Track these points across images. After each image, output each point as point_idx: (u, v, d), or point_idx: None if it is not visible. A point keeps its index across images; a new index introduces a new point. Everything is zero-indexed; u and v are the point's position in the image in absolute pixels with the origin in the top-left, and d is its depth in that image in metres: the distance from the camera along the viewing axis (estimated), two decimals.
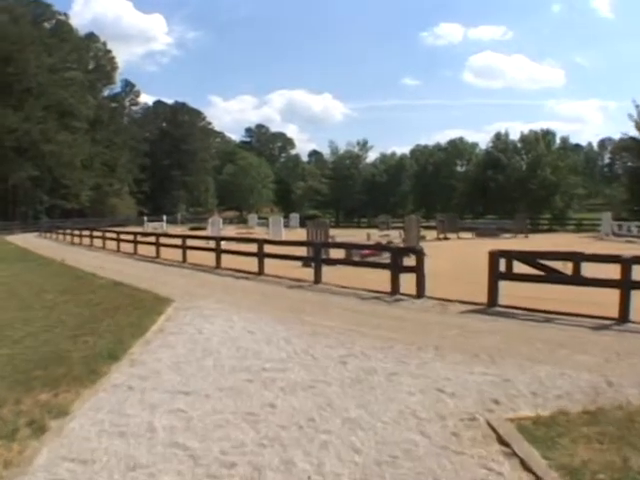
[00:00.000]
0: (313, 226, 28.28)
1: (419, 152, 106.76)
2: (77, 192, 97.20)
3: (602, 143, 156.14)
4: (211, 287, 20.29)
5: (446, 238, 48.38)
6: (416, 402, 7.78)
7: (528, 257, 15.62)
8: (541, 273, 14.93)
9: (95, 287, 20.49)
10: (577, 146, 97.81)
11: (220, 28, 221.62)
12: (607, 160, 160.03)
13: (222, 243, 26.86)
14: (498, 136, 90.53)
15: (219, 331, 12.62)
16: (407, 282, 16.94)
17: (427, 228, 41.89)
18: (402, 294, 16.81)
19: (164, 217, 73.77)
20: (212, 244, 26.99)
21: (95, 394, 8.40)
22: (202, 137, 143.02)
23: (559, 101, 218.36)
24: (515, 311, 14.18)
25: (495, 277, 14.90)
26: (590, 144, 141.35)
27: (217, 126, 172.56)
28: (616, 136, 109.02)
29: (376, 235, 40.18)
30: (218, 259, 25.71)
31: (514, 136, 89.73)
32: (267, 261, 22.76)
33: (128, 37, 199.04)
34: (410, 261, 17.70)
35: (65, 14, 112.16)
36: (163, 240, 33.05)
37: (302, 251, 23.77)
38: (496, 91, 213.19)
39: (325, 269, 20.39)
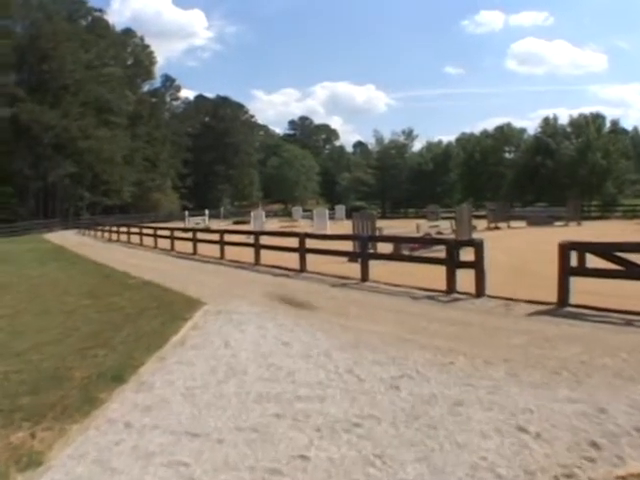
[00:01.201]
0: (359, 218, 26.46)
1: (465, 140, 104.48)
2: (118, 188, 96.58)
3: None
4: (247, 286, 18.63)
5: (497, 228, 46.34)
6: (493, 449, 5.89)
7: (604, 249, 13.49)
8: (619, 267, 12.87)
9: (123, 288, 19.29)
10: (622, 130, 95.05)
11: (259, 22, 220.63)
12: None
13: (261, 238, 25.10)
14: (547, 121, 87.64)
15: (249, 342, 10.90)
16: (463, 279, 15.14)
17: (476, 217, 39.95)
18: (459, 292, 14.95)
19: (206, 211, 72.24)
20: (251, 239, 25.19)
21: (83, 433, 6.77)
22: (245, 131, 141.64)
23: (602, 86, 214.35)
24: (589, 312, 12.23)
25: (566, 273, 12.93)
26: (636, 128, 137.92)
27: (260, 120, 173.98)
28: None
29: (425, 226, 38.29)
30: (257, 255, 24.19)
31: (562, 121, 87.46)
32: (310, 257, 21.27)
33: (168, 33, 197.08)
34: (467, 255, 15.67)
35: (101, 10, 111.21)
36: (200, 236, 31.76)
37: (347, 245, 21.97)
38: (539, 77, 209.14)
39: (372, 265, 18.53)
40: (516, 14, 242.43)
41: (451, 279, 15.13)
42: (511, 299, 13.87)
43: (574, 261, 13.19)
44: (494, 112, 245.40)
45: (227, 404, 7.51)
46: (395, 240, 23.08)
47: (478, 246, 14.81)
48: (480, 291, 14.40)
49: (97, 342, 11.28)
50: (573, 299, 12.91)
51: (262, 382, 8.39)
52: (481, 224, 43.85)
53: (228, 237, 28.49)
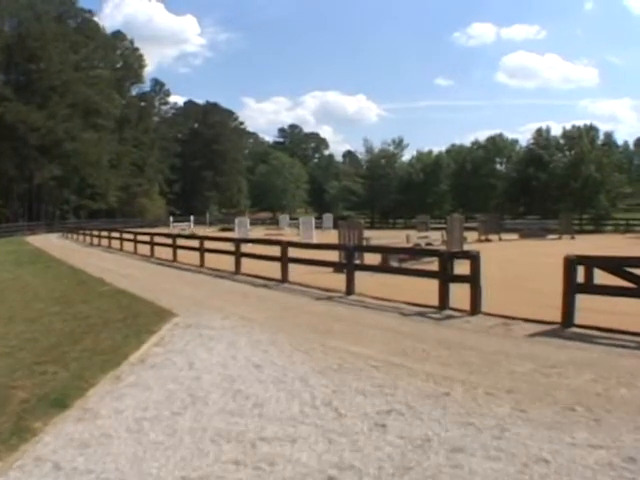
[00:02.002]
0: (346, 227, 25.29)
1: (455, 152, 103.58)
2: (104, 192, 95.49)
3: (638, 142, 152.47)
4: (224, 297, 17.55)
5: (488, 240, 44.97)
6: None
7: (615, 264, 12.18)
8: (630, 285, 11.58)
9: (94, 295, 18.37)
10: (614, 145, 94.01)
11: (252, 30, 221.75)
12: None
13: (242, 246, 23.86)
14: (539, 132, 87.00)
15: (216, 363, 9.67)
16: (456, 293, 13.93)
17: (466, 229, 38.82)
18: (452, 309, 13.71)
19: (192, 217, 71.14)
20: (232, 247, 23.99)
21: (3, 474, 5.59)
22: (234, 137, 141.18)
23: (593, 100, 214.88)
24: (597, 333, 11.06)
25: (572, 290, 11.69)
26: (626, 143, 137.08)
27: (251, 128, 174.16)
28: None
29: (415, 237, 37.20)
30: (237, 264, 22.98)
31: (554, 134, 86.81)
32: (294, 267, 20.07)
33: (160, 39, 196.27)
34: (461, 268, 14.46)
35: (90, 11, 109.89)
36: (180, 242, 30.49)
37: (333, 255, 20.87)
38: (529, 91, 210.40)
39: (359, 277, 17.25)
40: (508, 27, 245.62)
41: (444, 294, 13.84)
42: (510, 317, 12.68)
43: (580, 277, 11.95)
44: (484, 124, 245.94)
45: (178, 444, 6.25)
46: (383, 250, 21.75)
47: (474, 259, 13.45)
48: (476, 308, 13.14)
49: (51, 357, 10.32)
50: (578, 318, 11.71)
51: (224, 415, 7.14)
52: (471, 236, 42.36)
53: (208, 244, 27.38)
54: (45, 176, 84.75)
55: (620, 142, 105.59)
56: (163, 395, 8.00)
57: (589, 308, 11.78)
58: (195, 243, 28.22)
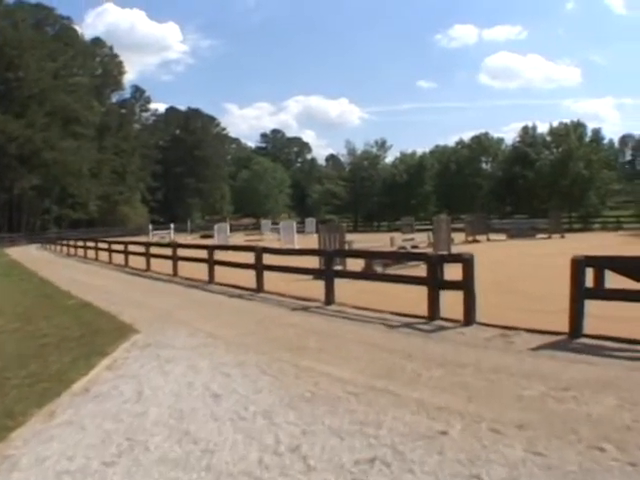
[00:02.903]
0: (326, 231, 23.83)
1: (439, 153, 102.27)
2: (85, 201, 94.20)
3: (623, 140, 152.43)
4: (193, 310, 16.16)
5: (476, 241, 43.88)
6: None
7: (631, 265, 10.70)
8: None
9: (58, 310, 17.18)
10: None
11: (234, 36, 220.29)
12: (629, 157, 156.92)
13: (216, 253, 22.54)
14: (525, 130, 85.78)
15: (169, 393, 8.25)
16: (447, 301, 12.48)
17: (453, 230, 37.40)
18: (444, 319, 12.23)
19: (172, 225, 69.59)
20: (205, 254, 22.60)
21: None
22: (216, 143, 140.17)
23: (576, 100, 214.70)
24: (610, 344, 9.64)
25: (580, 295, 10.20)
26: (611, 141, 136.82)
27: (234, 134, 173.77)
28: (636, 132, 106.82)
29: (399, 239, 35.87)
30: (211, 272, 21.62)
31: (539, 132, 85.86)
32: (271, 274, 18.67)
33: (142, 46, 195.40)
34: (452, 271, 12.85)
35: (68, 18, 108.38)
36: (153, 250, 29.14)
37: (312, 261, 19.20)
38: (512, 92, 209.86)
39: (340, 284, 15.77)
40: (489, 28, 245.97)
41: (434, 302, 12.37)
42: (508, 327, 11.22)
43: (589, 280, 10.49)
44: (467, 126, 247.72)
45: None
46: (366, 255, 20.16)
47: (467, 262, 11.92)
48: (470, 317, 11.68)
49: None
50: (587, 327, 10.27)
51: (163, 467, 5.69)
52: (458, 237, 40.97)
53: (182, 252, 25.98)
54: (24, 186, 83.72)
55: (604, 141, 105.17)
56: (98, 437, 6.59)
57: (598, 315, 10.31)
58: (166, 251, 27.09)
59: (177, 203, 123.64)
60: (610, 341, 9.74)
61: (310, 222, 68.55)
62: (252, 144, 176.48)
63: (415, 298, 13.03)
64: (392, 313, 13.27)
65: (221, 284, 20.68)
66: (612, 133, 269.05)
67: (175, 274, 24.65)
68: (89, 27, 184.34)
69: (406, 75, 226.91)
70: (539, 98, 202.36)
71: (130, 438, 6.49)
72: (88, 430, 6.81)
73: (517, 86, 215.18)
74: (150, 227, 67.81)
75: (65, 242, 51.76)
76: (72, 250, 47.21)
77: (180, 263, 24.90)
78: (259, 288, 18.27)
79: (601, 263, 10.47)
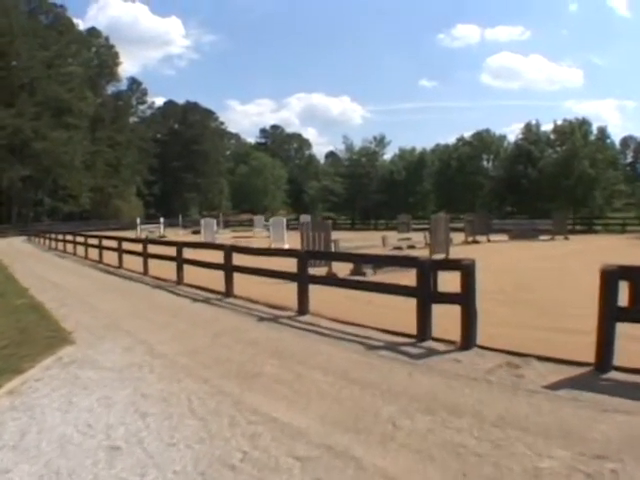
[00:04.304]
0: (309, 228, 21.57)
1: (440, 151, 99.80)
2: (76, 193, 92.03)
3: (624, 142, 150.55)
4: (147, 316, 14.11)
5: (475, 241, 41.44)
6: None
7: None
8: None
9: (5, 311, 15.44)
10: None
11: (236, 31, 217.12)
12: (630, 159, 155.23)
13: (185, 250, 20.34)
14: (528, 127, 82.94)
15: (56, 440, 6.24)
16: (440, 314, 10.09)
17: (452, 230, 35.13)
18: (436, 339, 9.93)
19: (162, 219, 67.68)
20: (173, 251, 20.56)
21: None
22: (215, 138, 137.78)
23: (578, 101, 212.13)
24: None
25: (611, 316, 7.88)
26: (612, 142, 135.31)
27: (236, 130, 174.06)
28: (638, 134, 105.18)
29: (395, 238, 33.72)
30: (179, 272, 19.61)
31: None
32: (244, 276, 16.40)
33: (145, 41, 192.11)
34: (449, 279, 10.22)
35: (62, 6, 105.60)
36: (127, 246, 26.97)
37: (290, 263, 16.92)
38: (514, 92, 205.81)
39: (325, 289, 13.65)
40: (492, 28, 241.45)
41: (424, 319, 9.99)
42: (516, 353, 8.93)
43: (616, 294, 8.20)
44: (468, 126, 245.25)
45: None
46: (343, 258, 17.52)
47: (466, 270, 9.51)
48: (468, 340, 9.34)
49: None
50: (618, 354, 7.98)
51: None
52: (457, 237, 38.71)
53: (155, 249, 23.85)
54: (13, 176, 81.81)
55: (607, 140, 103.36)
56: None
57: (631, 335, 8.24)
58: (137, 247, 25.11)
59: (174, 197, 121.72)
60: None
61: (305, 219, 66.46)
62: (251, 139, 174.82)
63: (407, 308, 10.49)
64: (375, 329, 11.04)
65: (190, 285, 18.79)
66: (614, 135, 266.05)
67: (145, 272, 22.77)
68: (91, 20, 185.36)
69: (408, 74, 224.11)
70: (541, 99, 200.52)
71: None
72: None
73: (519, 86, 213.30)
74: (138, 221, 65.28)
75: (48, 235, 50.28)
76: (53, 244, 45.80)
77: (157, 261, 22.77)
78: (228, 292, 16.20)
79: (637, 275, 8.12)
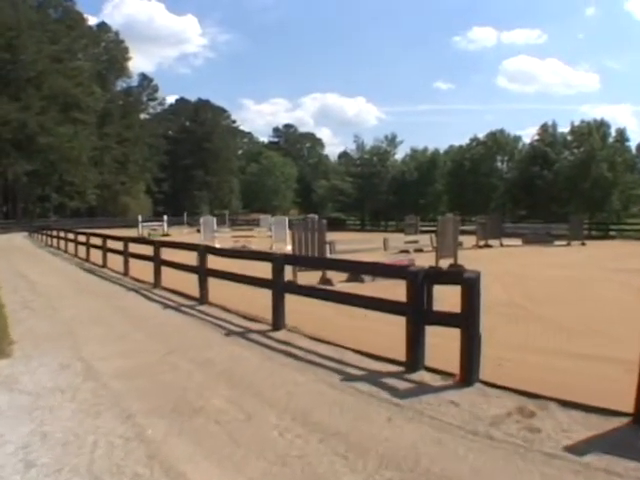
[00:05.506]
0: (301, 229, 19.76)
1: (452, 152, 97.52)
2: (82, 190, 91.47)
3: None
4: (108, 323, 12.72)
5: (487, 245, 39.37)
6: None
7: None
8: None
9: None
10: None
11: (253, 31, 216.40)
12: None
13: (163, 250, 18.75)
14: (544, 128, 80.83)
15: None
16: (435, 333, 8.08)
17: (463, 233, 33.13)
18: (428, 369, 7.92)
19: (164, 217, 66.23)
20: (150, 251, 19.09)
21: None
22: (226, 136, 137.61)
23: (593, 106, 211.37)
24: None
25: None
26: (629, 147, 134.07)
27: (250, 129, 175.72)
28: None
29: (401, 241, 31.89)
30: (157, 274, 18.14)
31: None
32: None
33: (161, 39, 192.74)
34: (447, 289, 8.35)
35: (71, 0, 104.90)
36: (110, 244, 25.47)
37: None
38: (530, 96, 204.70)
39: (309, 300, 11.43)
40: (509, 31, 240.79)
41: (415, 344, 7.94)
42: (530, 394, 6.93)
43: None
44: (483, 128, 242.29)
45: None
46: (318, 264, 16.15)
47: (469, 284, 7.40)
48: (469, 374, 7.33)
49: None
50: None
51: None
52: (468, 241, 36.62)
53: (134, 247, 22.29)
54: (18, 171, 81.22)
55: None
56: None
57: None
58: (119, 246, 23.63)
59: (184, 195, 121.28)
60: None
61: (311, 219, 64.77)
62: (264, 138, 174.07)
63: (394, 324, 8.52)
64: (359, 352, 9.12)
65: (166, 289, 17.38)
66: (630, 140, 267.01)
67: (126, 273, 21.63)
68: (107, 17, 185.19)
69: (424, 76, 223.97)
70: (556, 103, 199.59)
71: None
72: None
73: (535, 90, 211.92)
74: (140, 218, 63.56)
75: (44, 232, 49.90)
76: (49, 240, 45.24)
77: (142, 262, 20.90)
78: (202, 298, 14.55)
79: None
